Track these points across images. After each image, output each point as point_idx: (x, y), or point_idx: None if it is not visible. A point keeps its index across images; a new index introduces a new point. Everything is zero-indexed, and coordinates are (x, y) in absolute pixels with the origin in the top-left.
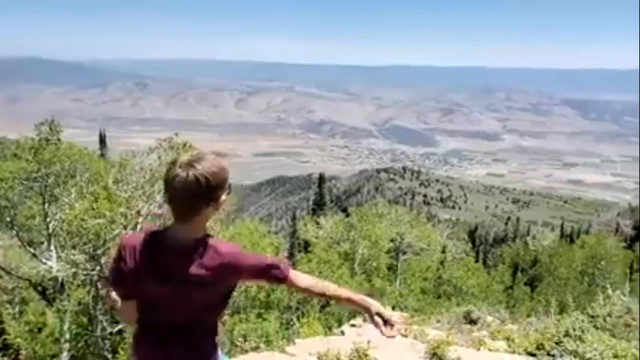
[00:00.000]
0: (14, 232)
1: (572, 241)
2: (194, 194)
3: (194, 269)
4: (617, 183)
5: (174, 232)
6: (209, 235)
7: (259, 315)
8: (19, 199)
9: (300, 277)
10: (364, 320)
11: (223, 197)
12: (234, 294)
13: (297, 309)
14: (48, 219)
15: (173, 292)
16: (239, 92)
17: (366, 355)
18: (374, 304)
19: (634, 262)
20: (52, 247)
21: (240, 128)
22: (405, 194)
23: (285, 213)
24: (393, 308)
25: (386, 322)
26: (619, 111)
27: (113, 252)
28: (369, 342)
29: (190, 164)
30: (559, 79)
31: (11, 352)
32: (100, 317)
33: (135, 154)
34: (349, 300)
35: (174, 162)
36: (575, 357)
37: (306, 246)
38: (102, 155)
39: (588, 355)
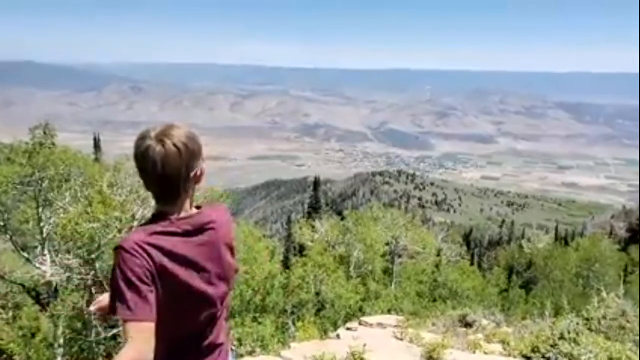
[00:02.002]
0: (8, 236)
1: (566, 244)
2: (177, 166)
3: (227, 253)
4: (611, 186)
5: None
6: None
7: (255, 319)
8: (12, 203)
9: None
10: (360, 324)
11: (203, 165)
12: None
13: (293, 312)
14: (42, 224)
15: (218, 284)
16: (234, 96)
17: (362, 358)
18: None
19: (628, 265)
20: (46, 252)
21: (236, 131)
22: (401, 197)
23: (280, 217)
24: (389, 311)
25: None
26: (612, 114)
27: (107, 257)
28: (364, 345)
29: (164, 134)
30: (552, 82)
31: (5, 357)
32: (95, 322)
33: (129, 158)
34: None
35: (144, 137)
36: (570, 359)
37: (302, 250)
38: (96, 159)
39: (583, 358)
